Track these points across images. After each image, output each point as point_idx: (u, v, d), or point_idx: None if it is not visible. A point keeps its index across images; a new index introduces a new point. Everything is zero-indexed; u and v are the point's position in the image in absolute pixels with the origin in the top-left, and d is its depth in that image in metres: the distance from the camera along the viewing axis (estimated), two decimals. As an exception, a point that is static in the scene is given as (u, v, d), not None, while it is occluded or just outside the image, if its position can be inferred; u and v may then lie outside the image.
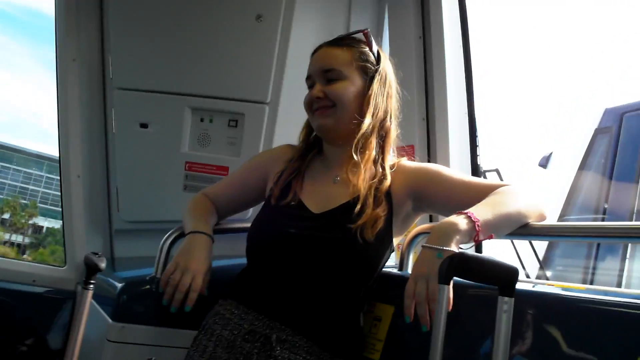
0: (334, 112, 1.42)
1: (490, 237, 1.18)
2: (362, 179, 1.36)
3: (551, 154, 5.22)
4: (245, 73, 2.17)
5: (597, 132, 4.75)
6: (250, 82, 2.17)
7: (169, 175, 2.20)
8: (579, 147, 4.80)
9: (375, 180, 1.38)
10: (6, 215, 49.65)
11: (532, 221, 1.24)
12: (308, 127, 1.55)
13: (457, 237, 1.13)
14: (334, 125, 1.43)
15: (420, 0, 2.22)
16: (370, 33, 1.51)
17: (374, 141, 1.42)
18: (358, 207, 1.31)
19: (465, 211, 1.17)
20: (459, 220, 1.14)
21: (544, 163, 5.18)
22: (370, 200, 1.33)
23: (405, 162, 1.47)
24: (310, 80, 1.48)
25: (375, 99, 1.42)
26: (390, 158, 1.47)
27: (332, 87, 1.43)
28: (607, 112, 4.89)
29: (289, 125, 1.94)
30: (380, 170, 1.42)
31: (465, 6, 2.17)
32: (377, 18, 2.45)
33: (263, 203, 1.51)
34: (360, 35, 1.49)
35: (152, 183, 2.23)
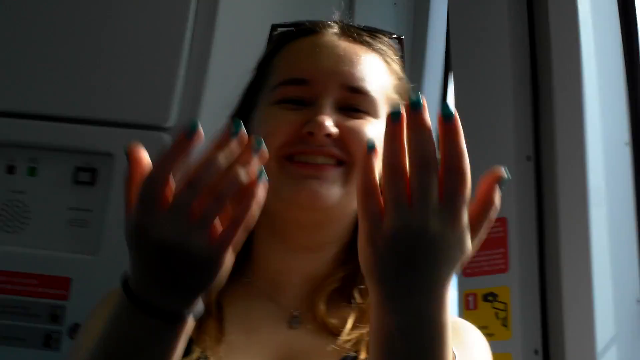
0: (343, 176, 0.77)
1: None
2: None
3: None
4: (114, 68, 1.18)
5: None
6: (130, 92, 1.19)
7: None
8: None
9: None
10: None
11: None
12: None
13: None
14: (338, 202, 0.76)
15: None
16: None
17: None
18: None
19: None
20: None
21: None
22: None
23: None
24: (303, 90, 0.80)
25: None
26: None
27: (356, 124, 0.78)
28: None
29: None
30: None
31: None
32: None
33: None
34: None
35: None
